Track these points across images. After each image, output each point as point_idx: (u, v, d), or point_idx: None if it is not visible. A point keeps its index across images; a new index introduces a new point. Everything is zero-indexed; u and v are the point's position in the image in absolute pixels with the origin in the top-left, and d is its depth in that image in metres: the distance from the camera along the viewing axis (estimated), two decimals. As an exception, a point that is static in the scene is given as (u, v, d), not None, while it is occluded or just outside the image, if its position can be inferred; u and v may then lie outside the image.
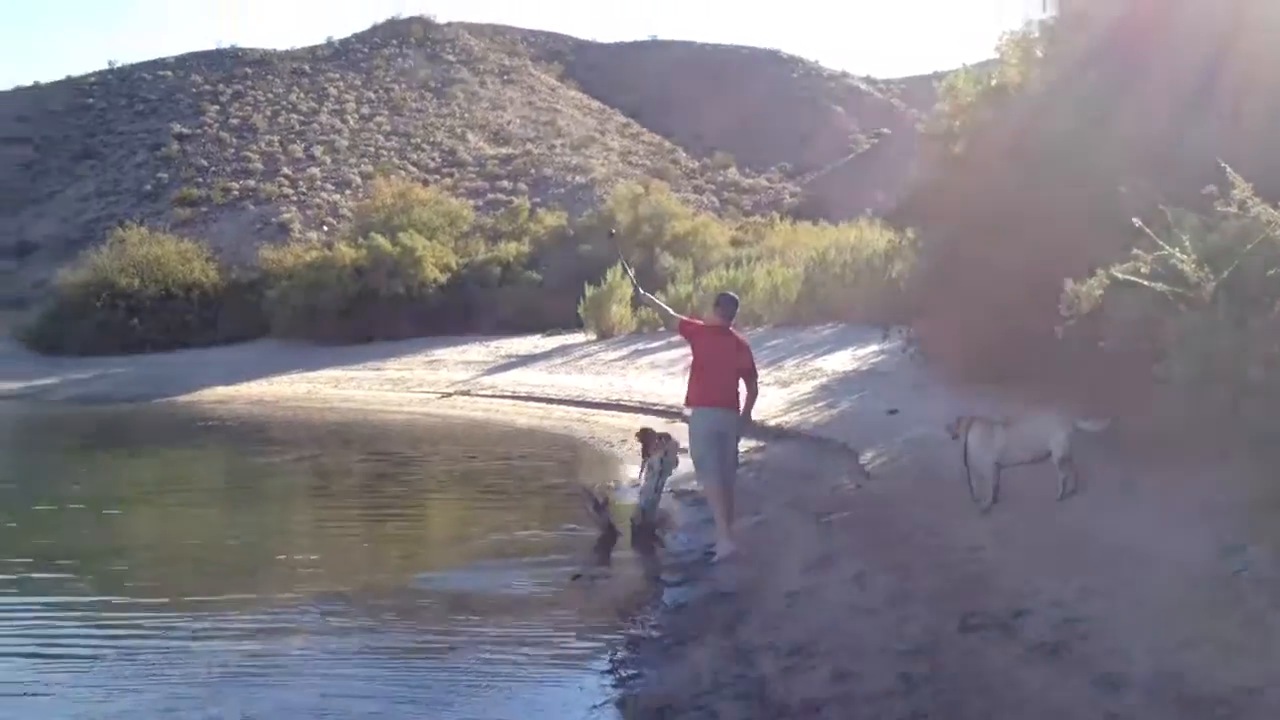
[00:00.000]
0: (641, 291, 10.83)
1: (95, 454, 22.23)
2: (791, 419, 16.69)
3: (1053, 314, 8.18)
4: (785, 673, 6.13)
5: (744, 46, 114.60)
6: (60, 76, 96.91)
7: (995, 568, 7.31)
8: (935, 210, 14.86)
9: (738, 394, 9.70)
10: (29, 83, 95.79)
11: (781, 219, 50.80)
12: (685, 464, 10.68)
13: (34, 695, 6.90)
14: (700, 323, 10.36)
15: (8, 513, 14.00)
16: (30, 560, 11.07)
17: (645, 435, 11.35)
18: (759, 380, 10.07)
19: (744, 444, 15.54)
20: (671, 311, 11.15)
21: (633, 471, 14.64)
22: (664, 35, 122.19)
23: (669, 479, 11.22)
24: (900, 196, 17.17)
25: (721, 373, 9.65)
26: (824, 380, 20.32)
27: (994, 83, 14.29)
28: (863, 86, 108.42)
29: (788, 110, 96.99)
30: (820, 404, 17.89)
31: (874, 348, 20.84)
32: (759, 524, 10.59)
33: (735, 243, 46.40)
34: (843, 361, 21.75)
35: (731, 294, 10.38)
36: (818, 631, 6.69)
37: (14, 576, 10.47)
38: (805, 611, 7.24)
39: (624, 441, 18.94)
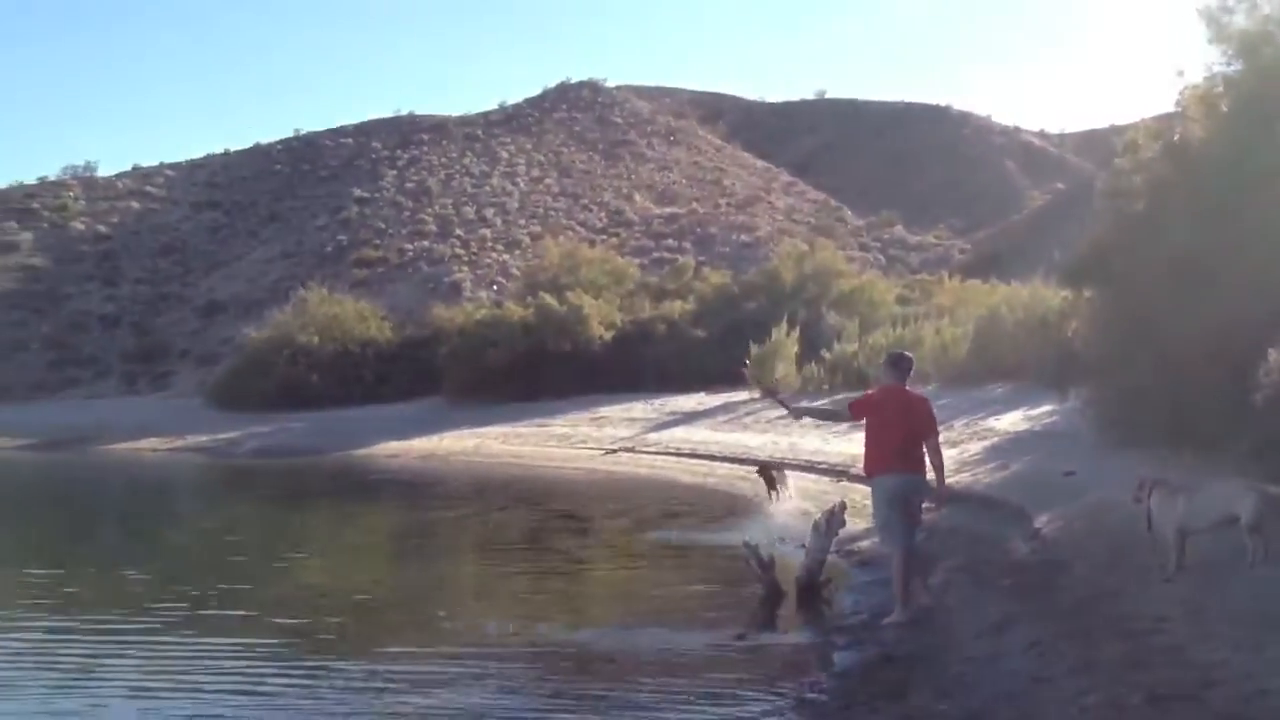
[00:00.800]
0: (800, 409, 10.62)
1: (279, 506, 23.09)
2: (962, 479, 16.25)
3: (1242, 378, 7.82)
4: (959, 742, 5.95)
5: (912, 103, 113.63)
6: (249, 144, 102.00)
7: (1182, 637, 6.96)
8: (1115, 269, 14.39)
9: (919, 456, 9.17)
10: (220, 150, 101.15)
11: (950, 276, 49.93)
12: (853, 524, 10.53)
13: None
14: (870, 393, 10.02)
15: (207, 561, 14.62)
16: (233, 607, 11.53)
17: (764, 470, 11.29)
18: (939, 437, 9.45)
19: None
20: (833, 408, 10.90)
21: (798, 530, 14.49)
22: (830, 93, 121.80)
23: (836, 538, 11.06)
24: (1078, 254, 16.68)
25: (895, 436, 9.10)
26: (995, 440, 19.78)
27: (1176, 138, 13.82)
28: (1035, 141, 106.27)
29: (957, 166, 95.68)
30: (991, 465, 17.41)
31: (1047, 408, 20.23)
32: (929, 588, 10.33)
33: (902, 300, 45.71)
34: (1014, 422, 21.15)
35: (901, 352, 10.05)
36: (993, 700, 6.48)
37: (209, 615, 10.92)
38: (979, 679, 7.01)
39: (790, 499, 18.77)
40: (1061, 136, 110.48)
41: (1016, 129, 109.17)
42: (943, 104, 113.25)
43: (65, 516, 23.35)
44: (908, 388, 9.54)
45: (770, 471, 11.15)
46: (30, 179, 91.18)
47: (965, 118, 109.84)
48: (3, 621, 11.28)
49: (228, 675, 8.82)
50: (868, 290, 44.67)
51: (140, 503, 26.87)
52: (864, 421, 9.49)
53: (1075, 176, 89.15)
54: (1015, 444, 18.71)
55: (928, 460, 9.28)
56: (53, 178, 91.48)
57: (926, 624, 8.96)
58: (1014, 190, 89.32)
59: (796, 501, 18.34)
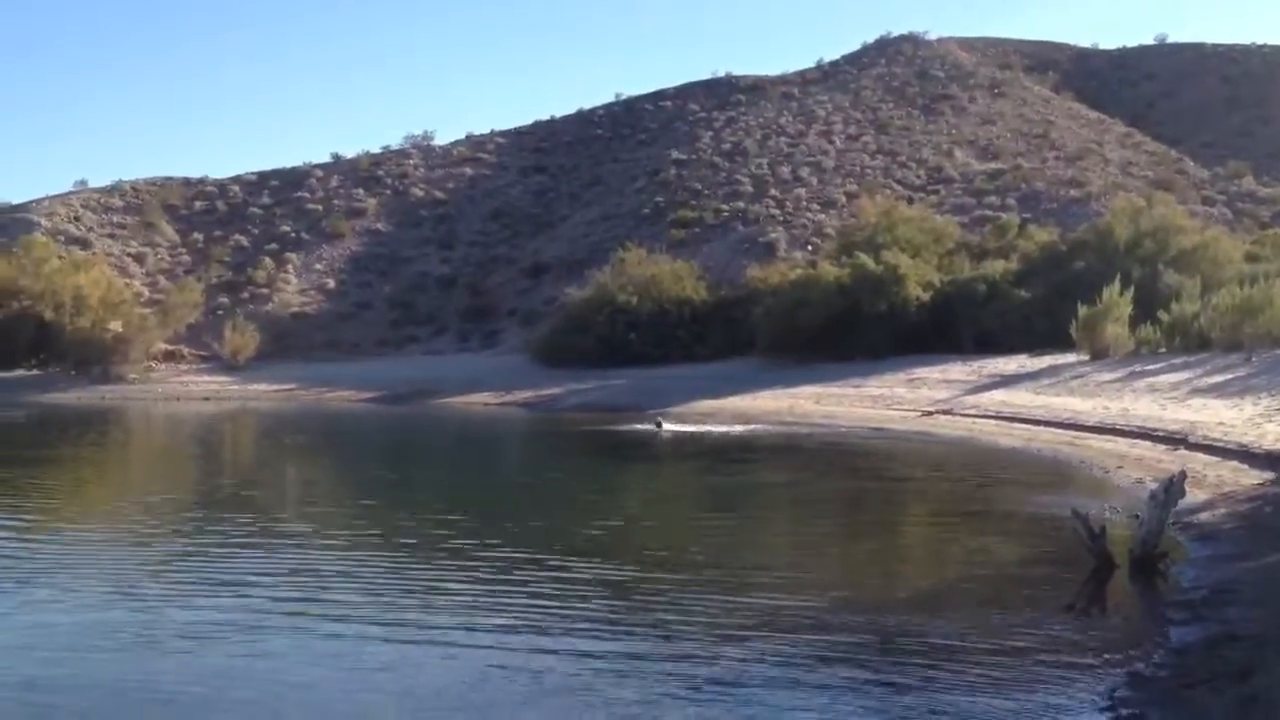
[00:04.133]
0: None
1: (606, 460, 23.94)
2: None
3: None
4: (1315, 729, 5.49)
5: (1263, 44, 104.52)
6: (572, 110, 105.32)
7: None
8: None
9: None
10: (545, 117, 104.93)
11: (1306, 231, 45.92)
12: (1193, 495, 9.87)
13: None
14: None
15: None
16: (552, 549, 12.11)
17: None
18: None
19: (1260, 476, 14.19)
20: None
21: (1130, 499, 13.75)
22: (1172, 37, 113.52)
23: (1174, 510, 10.41)
24: None
25: None
26: (1358, 410, 18.08)
27: None
28: None
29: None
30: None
31: None
32: (1277, 564, 9.57)
33: (1251, 258, 42.38)
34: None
35: None
36: (1355, 688, 5.94)
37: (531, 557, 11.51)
38: (1339, 664, 6.44)
39: (1120, 468, 17.84)
40: None
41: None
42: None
43: (430, 467, 25.10)
44: None
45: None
46: (375, 148, 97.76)
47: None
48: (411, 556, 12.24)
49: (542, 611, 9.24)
50: (1211, 247, 41.75)
51: (490, 455, 28.52)
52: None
53: None
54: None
55: None
56: (395, 147, 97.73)
57: (1273, 602, 8.31)
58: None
59: (1129, 470, 17.42)
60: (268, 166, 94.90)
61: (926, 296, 43.61)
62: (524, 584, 10.54)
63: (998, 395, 30.55)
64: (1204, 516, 12.41)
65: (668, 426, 29.74)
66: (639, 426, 30.45)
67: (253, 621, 8.95)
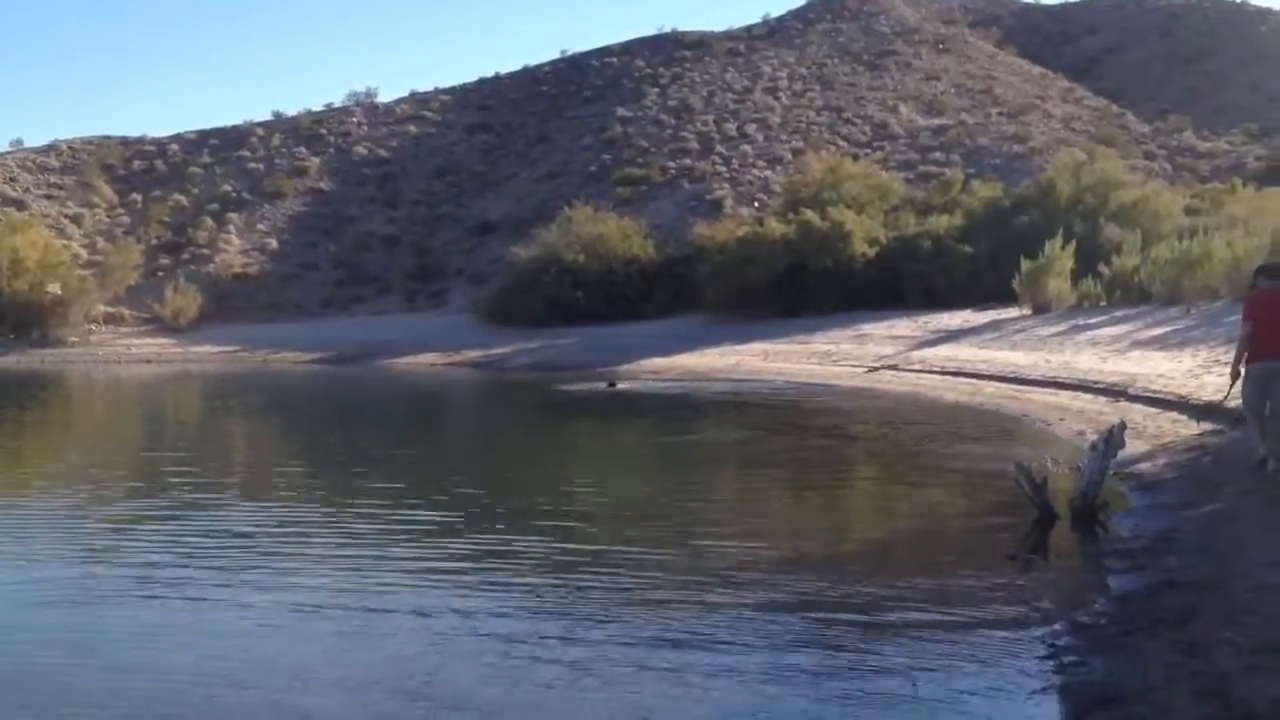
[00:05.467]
0: (1234, 368, 11.15)
1: (553, 419, 23.91)
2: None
3: None
4: (1249, 671, 5.60)
5: (1205, 1, 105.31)
6: (518, 67, 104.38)
7: None
8: None
9: None
10: (490, 73, 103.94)
11: (1244, 185, 46.58)
12: (1133, 446, 10.03)
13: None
14: (1257, 295, 11.02)
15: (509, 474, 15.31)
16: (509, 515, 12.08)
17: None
18: None
19: (1198, 427, 14.44)
20: (1239, 341, 11.13)
21: (1071, 450, 13.95)
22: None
23: (1114, 460, 10.56)
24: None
25: (1272, 329, 10.59)
26: (1294, 361, 18.38)
27: None
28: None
29: (1253, 65, 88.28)
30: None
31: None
32: (1215, 513, 9.77)
33: (1190, 211, 42.98)
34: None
35: (1272, 261, 12.07)
36: (1289, 631, 6.06)
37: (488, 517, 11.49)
38: (1273, 607, 6.57)
39: (1062, 420, 18.09)
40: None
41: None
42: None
43: (376, 428, 24.98)
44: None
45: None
46: (317, 106, 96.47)
47: (1263, 13, 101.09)
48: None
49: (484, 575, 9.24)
50: (1151, 201, 42.29)
51: (435, 415, 28.41)
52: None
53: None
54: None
55: None
56: (338, 104, 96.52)
57: (1212, 550, 8.48)
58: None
59: (1070, 422, 17.67)
60: (207, 125, 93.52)
61: (873, 253, 43.85)
62: (469, 545, 10.52)
63: (943, 350, 30.84)
64: (1144, 467, 12.61)
65: (621, 385, 29.80)
66: (591, 385, 30.45)
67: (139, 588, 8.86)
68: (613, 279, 51.84)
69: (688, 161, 69.73)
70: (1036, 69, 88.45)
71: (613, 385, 29.65)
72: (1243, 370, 10.92)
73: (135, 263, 65.44)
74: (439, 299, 65.09)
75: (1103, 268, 33.99)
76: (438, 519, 11.82)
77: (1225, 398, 12.31)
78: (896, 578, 8.77)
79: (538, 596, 8.47)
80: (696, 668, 6.62)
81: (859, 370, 30.46)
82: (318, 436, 22.62)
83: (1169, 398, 17.36)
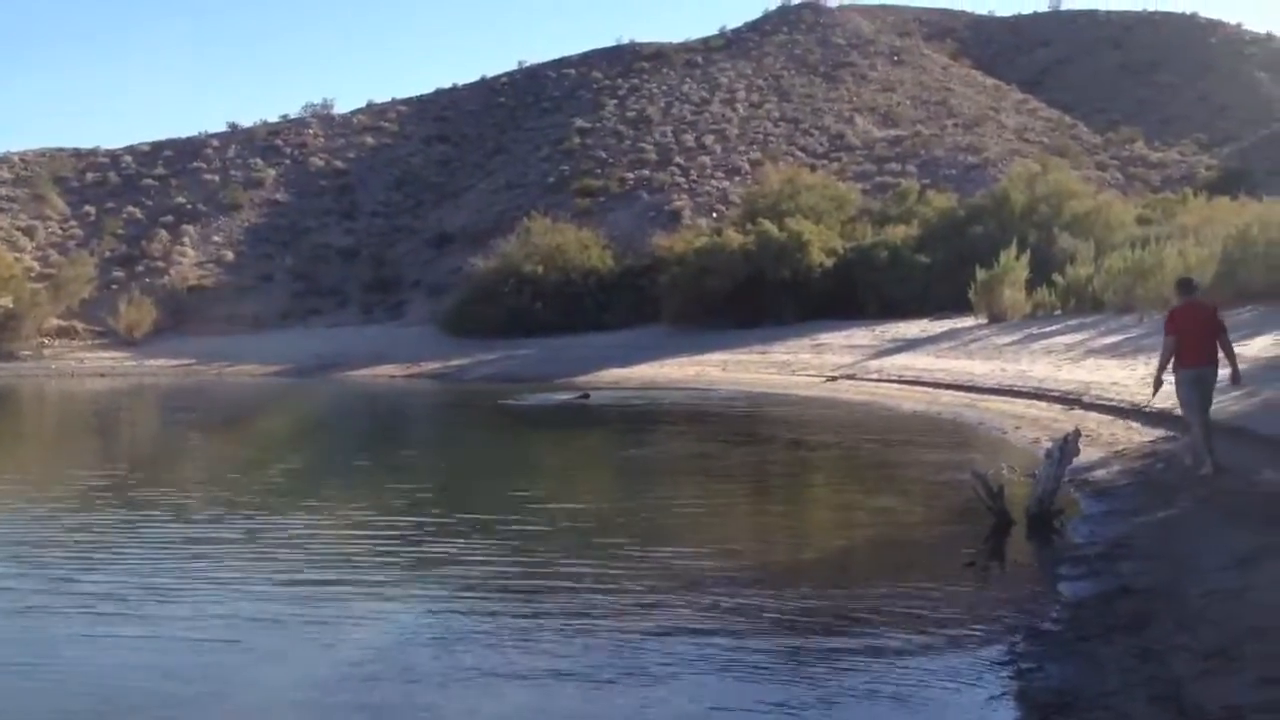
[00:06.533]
0: (1158, 376, 12.05)
1: (513, 431, 23.83)
2: (1206, 409, 15.42)
3: None
4: (1203, 676, 5.68)
5: (1155, 12, 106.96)
6: (475, 78, 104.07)
7: None
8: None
9: (1215, 354, 11.68)
10: (448, 85, 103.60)
11: (1195, 195, 47.22)
12: (1087, 453, 10.14)
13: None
14: (1175, 310, 12.08)
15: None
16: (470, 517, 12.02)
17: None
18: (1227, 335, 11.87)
19: (1151, 434, 14.60)
20: (1162, 351, 12.02)
21: (1027, 458, 14.07)
22: (1066, 3, 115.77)
23: (1069, 467, 10.67)
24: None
25: (1196, 338, 11.58)
26: (1243, 367, 18.60)
27: None
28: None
29: (1203, 77, 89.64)
30: (1239, 392, 16.39)
31: (1303, 332, 19.01)
32: (1168, 519, 9.89)
33: (1142, 221, 43.50)
34: (1264, 346, 19.94)
35: (1189, 276, 13.22)
36: (1240, 635, 6.15)
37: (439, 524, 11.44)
38: (1225, 613, 6.67)
39: (1018, 428, 18.25)
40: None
41: (1269, 36, 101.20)
42: (1188, 11, 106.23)
43: (333, 439, 24.78)
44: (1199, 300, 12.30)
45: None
46: (273, 117, 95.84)
47: (1213, 25, 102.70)
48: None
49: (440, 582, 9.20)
50: (1104, 211, 42.79)
51: (392, 427, 28.24)
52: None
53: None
54: (1266, 370, 17.58)
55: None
56: (294, 115, 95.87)
57: (1166, 556, 8.58)
58: (1265, 102, 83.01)
59: (1026, 430, 17.82)
60: (162, 136, 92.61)
61: (830, 263, 44.06)
62: (430, 554, 10.47)
63: (900, 359, 31.04)
64: (1098, 474, 12.75)
65: (594, 397, 29.62)
66: (551, 397, 30.37)
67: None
68: (572, 290, 51.80)
69: (646, 172, 69.82)
70: (990, 81, 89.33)
71: (585, 397, 29.47)
72: (1171, 378, 11.80)
73: (89, 276, 64.71)
74: (397, 311, 64.74)
75: (1057, 277, 34.34)
76: (390, 531, 11.75)
77: (1148, 405, 13.16)
78: (855, 586, 8.81)
79: (491, 612, 8.44)
80: (653, 676, 6.62)
81: (818, 380, 30.59)
82: (268, 450, 22.42)
83: (1123, 405, 17.56)
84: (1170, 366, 11.80)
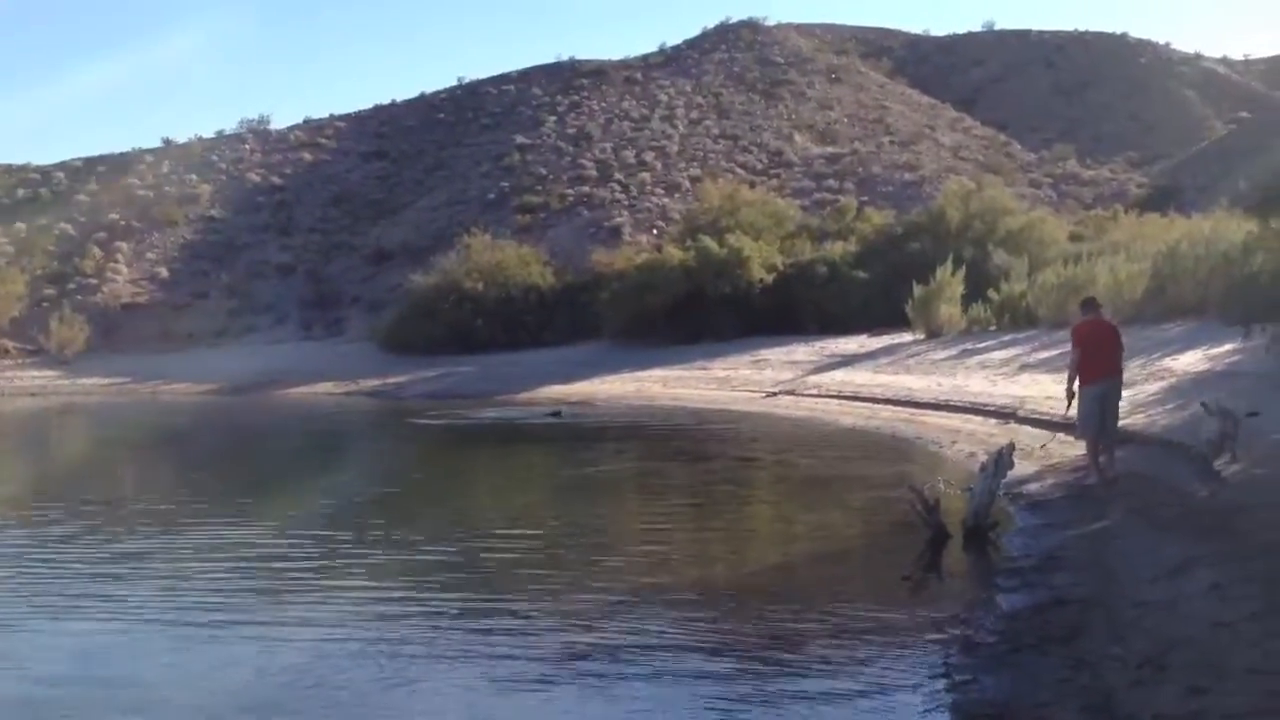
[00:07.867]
0: (1069, 388, 12.72)
1: (453, 448, 23.68)
2: (1137, 421, 15.67)
3: None
4: (1134, 686, 5.76)
5: (1086, 31, 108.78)
6: (414, 94, 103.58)
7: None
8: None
9: (1119, 366, 12.72)
10: (387, 100, 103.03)
11: (1126, 212, 48.12)
12: (1021, 467, 10.27)
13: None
14: (1080, 326, 13.09)
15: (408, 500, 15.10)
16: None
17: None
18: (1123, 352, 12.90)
19: (1084, 448, 14.81)
20: (1069, 365, 12.95)
21: (963, 472, 14.22)
22: (999, 24, 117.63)
23: (1004, 481, 10.80)
24: (1265, 184, 15.82)
25: (1102, 352, 12.47)
26: (1173, 381, 19.01)
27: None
28: (1218, 69, 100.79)
29: (1133, 96, 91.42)
30: (1169, 406, 16.74)
31: (1229, 346, 19.40)
32: (1101, 531, 10.04)
33: (1075, 237, 44.21)
34: (1193, 361, 20.31)
35: (1091, 296, 14.57)
36: (1170, 644, 6.25)
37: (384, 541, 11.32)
38: (1156, 623, 6.77)
39: (954, 442, 18.43)
40: (1246, 63, 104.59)
41: (1197, 56, 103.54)
42: (1119, 31, 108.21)
43: (266, 458, 24.46)
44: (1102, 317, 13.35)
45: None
46: (209, 133, 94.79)
47: (1143, 45, 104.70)
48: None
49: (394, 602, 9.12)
50: (1037, 228, 43.36)
51: (329, 447, 27.97)
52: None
53: (1261, 105, 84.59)
54: (1195, 384, 17.93)
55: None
56: (230, 131, 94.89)
57: (1098, 567, 8.71)
58: (1194, 120, 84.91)
59: (962, 444, 18.01)
60: (94, 152, 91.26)
61: (770, 279, 44.27)
62: (371, 576, 10.38)
63: (839, 375, 31.26)
64: (1032, 487, 12.92)
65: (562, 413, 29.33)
66: (524, 412, 30.22)
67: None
68: (512, 306, 51.59)
69: (586, 189, 69.85)
70: (926, 99, 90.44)
71: (557, 414, 29.15)
72: (1077, 391, 12.50)
73: (19, 293, 63.48)
74: (336, 328, 64.11)
75: (992, 293, 34.76)
76: (328, 546, 11.63)
77: (1065, 416, 13.60)
78: (791, 600, 8.84)
79: (432, 627, 8.37)
80: (592, 688, 6.61)
81: (758, 396, 30.72)
82: (196, 469, 22.11)
83: (1056, 419, 17.78)
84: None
